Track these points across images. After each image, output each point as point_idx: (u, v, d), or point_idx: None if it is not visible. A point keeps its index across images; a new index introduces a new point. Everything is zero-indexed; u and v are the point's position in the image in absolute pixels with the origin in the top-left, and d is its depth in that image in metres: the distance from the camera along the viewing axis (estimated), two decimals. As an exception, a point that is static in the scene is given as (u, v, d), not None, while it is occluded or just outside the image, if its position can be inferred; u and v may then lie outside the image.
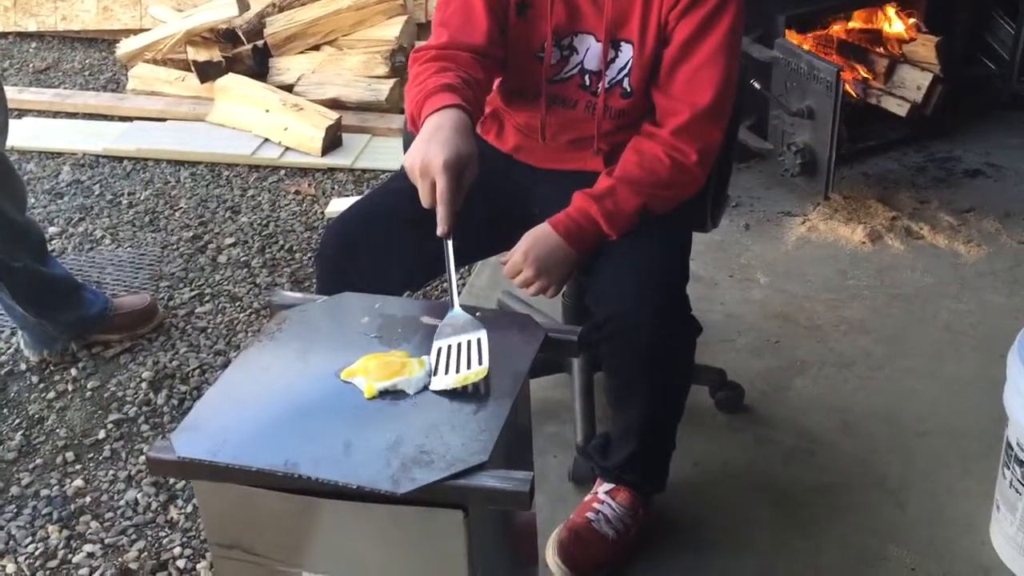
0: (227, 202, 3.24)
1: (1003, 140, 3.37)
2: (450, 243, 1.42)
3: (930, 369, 2.36)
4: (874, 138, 3.35)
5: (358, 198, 1.95)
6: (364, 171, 3.42)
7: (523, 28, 1.73)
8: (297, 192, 3.29)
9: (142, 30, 4.27)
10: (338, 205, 3.14)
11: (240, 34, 3.95)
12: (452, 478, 1.15)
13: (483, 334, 1.34)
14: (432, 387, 1.29)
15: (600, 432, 1.98)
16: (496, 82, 1.80)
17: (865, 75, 3.34)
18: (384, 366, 1.30)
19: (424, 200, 1.44)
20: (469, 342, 1.33)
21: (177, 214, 3.18)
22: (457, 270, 1.44)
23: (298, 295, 1.54)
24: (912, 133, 3.35)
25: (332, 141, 3.49)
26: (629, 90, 1.73)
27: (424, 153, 1.43)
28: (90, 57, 4.45)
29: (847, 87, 3.13)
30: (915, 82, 3.23)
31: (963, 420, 2.18)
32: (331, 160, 3.45)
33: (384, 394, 1.28)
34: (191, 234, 3.05)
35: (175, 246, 3.00)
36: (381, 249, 1.72)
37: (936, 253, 2.80)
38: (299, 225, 3.09)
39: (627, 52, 1.71)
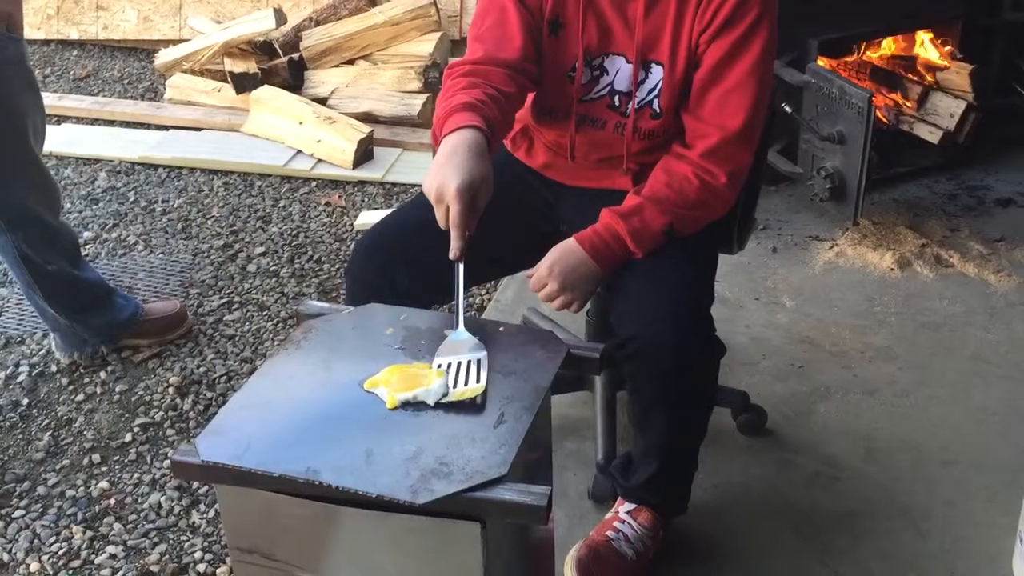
0: (258, 212, 3.28)
1: (1036, 170, 3.35)
2: (460, 266, 1.45)
3: (956, 398, 2.34)
4: (905, 165, 3.33)
5: (388, 212, 1.97)
6: (394, 185, 3.45)
7: (555, 47, 1.74)
8: (328, 204, 3.32)
9: (181, 41, 4.34)
10: (368, 218, 3.16)
11: (277, 47, 4.00)
12: (470, 490, 1.16)
13: (483, 355, 1.37)
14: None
15: (622, 452, 1.98)
16: (528, 99, 1.81)
17: (898, 101, 3.33)
18: (407, 377, 1.32)
19: (440, 223, 1.46)
20: (469, 362, 1.36)
21: (209, 222, 3.22)
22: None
23: (324, 305, 1.56)
24: (944, 161, 3.33)
25: (364, 154, 3.53)
26: (659, 111, 1.74)
27: (439, 178, 1.44)
28: (129, 66, 4.52)
29: (878, 113, 3.12)
30: (948, 110, 3.21)
31: (989, 450, 2.16)
32: (362, 173, 3.48)
33: (406, 405, 1.29)
34: (222, 242, 3.09)
35: (206, 254, 3.04)
36: (410, 265, 1.73)
37: (965, 282, 2.78)
38: (328, 236, 3.12)
39: (657, 73, 1.72)
